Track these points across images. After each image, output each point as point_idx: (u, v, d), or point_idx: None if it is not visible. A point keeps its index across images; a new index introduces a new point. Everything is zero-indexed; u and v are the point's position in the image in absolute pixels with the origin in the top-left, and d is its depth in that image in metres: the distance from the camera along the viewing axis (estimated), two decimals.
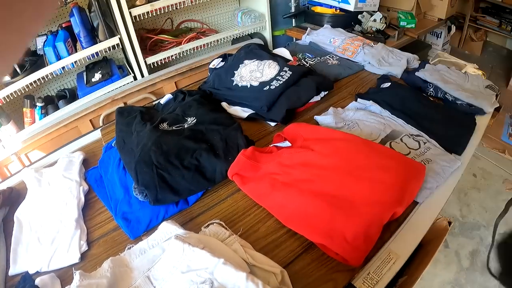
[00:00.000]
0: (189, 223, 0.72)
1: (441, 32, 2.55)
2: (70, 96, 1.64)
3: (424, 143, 0.92)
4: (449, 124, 1.01)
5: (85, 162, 0.92)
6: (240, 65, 1.10)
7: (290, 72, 1.03)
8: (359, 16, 1.98)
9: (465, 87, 1.17)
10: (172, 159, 0.75)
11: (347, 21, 2.00)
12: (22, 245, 0.72)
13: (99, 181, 0.86)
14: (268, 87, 0.98)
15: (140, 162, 0.74)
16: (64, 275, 0.65)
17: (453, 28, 2.45)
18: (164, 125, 0.86)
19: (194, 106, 0.92)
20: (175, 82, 1.79)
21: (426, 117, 1.01)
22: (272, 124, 0.97)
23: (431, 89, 1.17)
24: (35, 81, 1.47)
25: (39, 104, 1.56)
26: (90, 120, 1.58)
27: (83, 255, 0.68)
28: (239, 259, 0.58)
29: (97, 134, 1.08)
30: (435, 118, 1.02)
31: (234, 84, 1.04)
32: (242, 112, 0.99)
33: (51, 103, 1.61)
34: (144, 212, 0.73)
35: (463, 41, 3.14)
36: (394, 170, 0.72)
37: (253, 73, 1.06)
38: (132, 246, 0.66)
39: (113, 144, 0.94)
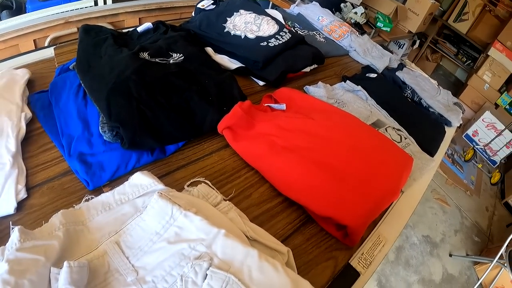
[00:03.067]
0: (165, 177, 0.58)
1: (404, 43, 2.68)
2: (16, 8, 1.32)
3: (405, 138, 0.92)
4: (425, 126, 1.04)
5: (29, 84, 0.70)
6: (235, 13, 0.96)
7: (290, 35, 0.94)
8: (342, 5, 1.95)
9: (436, 98, 1.21)
10: (157, 94, 0.60)
11: (328, 5, 1.93)
12: None
13: (47, 109, 0.66)
14: (265, 43, 0.87)
15: (115, 91, 0.58)
16: None
17: (417, 43, 2.59)
18: (145, 55, 0.70)
19: (181, 42, 0.77)
20: (139, 18, 1.56)
21: (406, 114, 1.02)
22: (261, 83, 0.87)
23: (409, 91, 1.18)
24: None
25: None
26: (34, 41, 1.29)
27: (20, 205, 0.50)
28: (238, 231, 0.47)
29: (47, 53, 0.82)
30: (414, 117, 1.04)
31: (225, 30, 0.91)
32: (229, 62, 0.87)
33: None
34: (110, 156, 0.57)
35: (419, 58, 3.36)
36: (395, 157, 0.69)
37: (248, 25, 0.93)
38: (91, 197, 0.51)
39: (71, 67, 0.73)
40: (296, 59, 0.91)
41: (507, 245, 1.65)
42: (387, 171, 0.64)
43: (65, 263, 0.38)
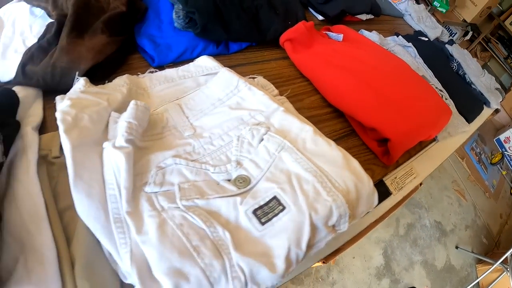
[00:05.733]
0: None
1: (456, 33, 2.64)
2: None
3: (446, 99, 0.97)
4: (465, 96, 1.08)
5: None
6: None
7: None
8: None
9: (480, 78, 1.24)
10: None
11: None
12: None
13: None
14: None
15: None
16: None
17: (469, 35, 2.55)
18: None
19: None
20: None
21: (449, 81, 1.06)
22: (319, 17, 0.93)
23: (455, 64, 1.21)
24: None
25: None
26: None
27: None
28: (294, 113, 0.53)
29: None
30: (456, 86, 1.08)
31: None
32: None
33: None
34: (178, 39, 0.64)
35: None
36: (436, 100, 0.75)
37: None
38: (155, 71, 0.57)
39: None
40: (356, 2, 0.96)
41: None
42: (428, 105, 0.70)
43: (132, 102, 0.44)
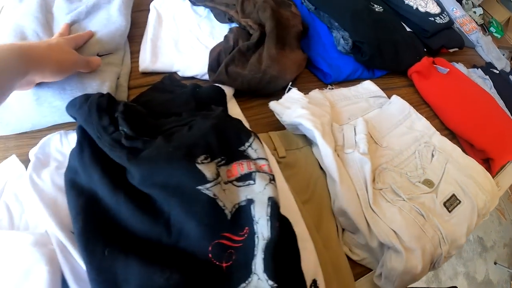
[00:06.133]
0: None
1: (504, 54, 2.80)
2: None
3: None
4: None
5: None
6: None
7: (448, 19, 1.19)
8: (464, 1, 2.11)
9: None
10: (382, 28, 0.87)
11: None
12: (163, 41, 0.65)
13: None
14: (433, 19, 1.12)
15: (357, 13, 0.82)
16: None
17: None
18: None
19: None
20: None
21: None
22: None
23: None
24: None
25: None
26: None
27: None
28: None
29: None
30: None
31: None
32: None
33: None
34: (344, 63, 0.81)
35: None
36: None
37: (417, 0, 1.17)
38: (332, 88, 0.74)
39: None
40: (451, 39, 1.16)
41: None
42: None
43: (360, 118, 0.63)
